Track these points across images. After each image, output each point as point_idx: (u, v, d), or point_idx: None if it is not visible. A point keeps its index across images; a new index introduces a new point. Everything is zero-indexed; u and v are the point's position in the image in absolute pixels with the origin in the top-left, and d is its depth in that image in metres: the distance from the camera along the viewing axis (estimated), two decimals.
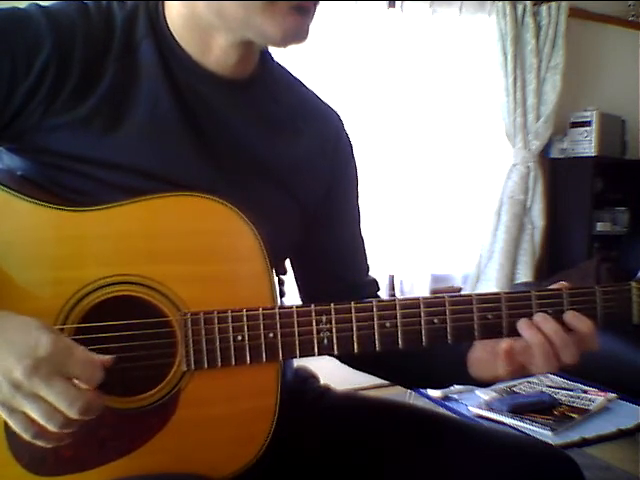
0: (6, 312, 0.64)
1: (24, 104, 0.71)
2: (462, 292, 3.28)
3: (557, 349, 0.73)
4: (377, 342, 0.73)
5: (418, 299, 0.74)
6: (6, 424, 0.68)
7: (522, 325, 0.74)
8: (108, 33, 0.75)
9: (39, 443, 0.63)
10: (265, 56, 0.86)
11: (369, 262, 0.99)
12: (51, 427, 0.61)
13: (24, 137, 0.72)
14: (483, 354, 0.79)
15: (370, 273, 0.99)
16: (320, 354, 0.72)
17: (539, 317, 0.74)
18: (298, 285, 0.96)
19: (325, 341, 0.72)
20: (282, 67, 0.90)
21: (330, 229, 0.93)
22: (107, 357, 0.64)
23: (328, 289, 0.90)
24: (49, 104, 0.71)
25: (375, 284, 0.98)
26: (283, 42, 0.74)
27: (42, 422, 0.61)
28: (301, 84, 0.92)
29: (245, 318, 0.71)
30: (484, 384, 0.84)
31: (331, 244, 0.94)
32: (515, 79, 3.24)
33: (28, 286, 0.69)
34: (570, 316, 0.74)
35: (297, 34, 0.74)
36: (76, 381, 0.62)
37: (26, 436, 0.62)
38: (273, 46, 0.78)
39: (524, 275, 3.35)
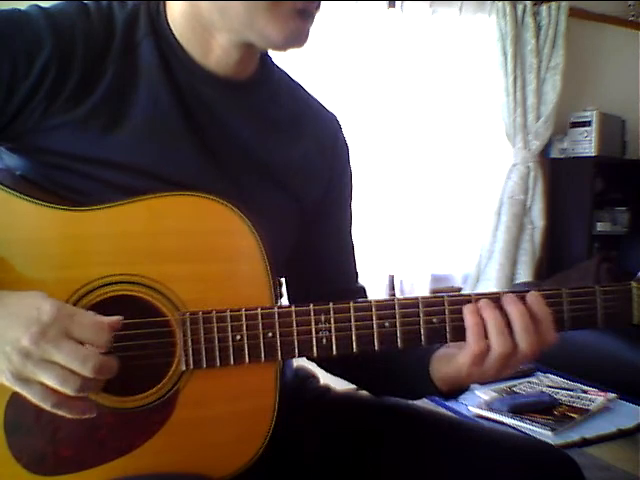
0: (6, 290, 0.65)
1: (24, 104, 0.71)
2: (462, 292, 3.28)
3: (515, 334, 0.72)
4: (376, 342, 0.73)
5: (417, 299, 0.74)
6: (5, 422, 0.68)
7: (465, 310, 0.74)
8: (108, 33, 0.75)
9: (61, 413, 0.63)
10: (265, 59, 0.87)
11: (358, 269, 0.99)
12: (68, 391, 0.61)
13: (24, 137, 0.73)
14: (449, 349, 0.78)
15: (359, 280, 1.00)
16: (319, 354, 0.72)
17: (508, 299, 0.73)
18: (287, 289, 0.96)
19: (324, 341, 0.72)
20: (282, 70, 0.91)
21: (323, 232, 0.93)
22: (114, 318, 0.65)
23: (316, 294, 0.90)
24: (49, 104, 0.72)
25: (363, 292, 0.98)
26: (284, 46, 0.75)
27: (58, 387, 0.61)
28: (300, 87, 0.93)
29: (244, 318, 0.71)
30: (445, 392, 0.82)
31: (323, 247, 0.94)
32: (515, 79, 3.24)
33: (28, 285, 0.69)
34: (532, 299, 0.74)
35: (298, 38, 0.75)
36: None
37: (46, 406, 0.62)
38: (273, 49, 0.79)
39: (524, 275, 3.35)
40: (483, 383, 1.75)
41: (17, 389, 0.62)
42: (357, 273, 1.00)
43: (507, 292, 0.75)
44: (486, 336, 0.73)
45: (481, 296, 0.74)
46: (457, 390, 0.82)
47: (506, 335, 0.72)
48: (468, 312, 0.73)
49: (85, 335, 0.62)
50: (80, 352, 0.61)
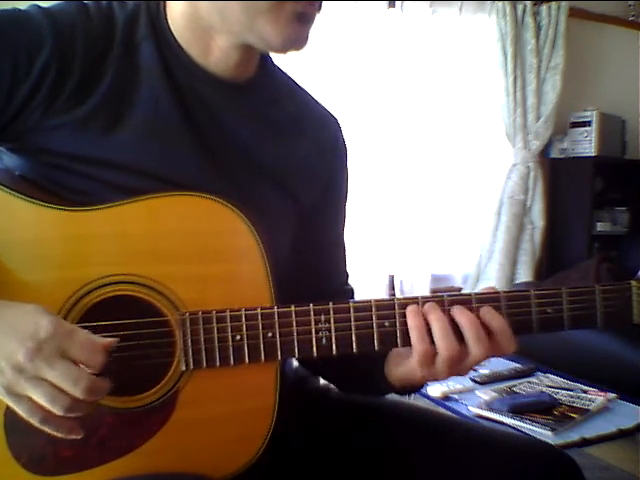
0: (5, 301, 0.65)
1: (25, 104, 0.71)
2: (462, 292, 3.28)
3: (468, 344, 0.72)
4: (376, 342, 0.73)
5: (417, 298, 0.73)
6: (5, 422, 0.68)
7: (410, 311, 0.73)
8: (109, 33, 0.75)
9: (47, 429, 0.63)
10: (265, 60, 0.87)
11: (348, 270, 1.00)
12: (56, 410, 0.61)
13: (25, 137, 0.73)
14: (401, 349, 0.77)
15: (349, 281, 1.00)
16: (319, 354, 0.72)
17: (456, 309, 0.73)
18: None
19: (324, 340, 0.72)
20: (282, 71, 0.91)
21: (317, 233, 0.93)
22: (109, 339, 0.64)
23: (308, 294, 0.90)
24: (50, 104, 0.72)
25: (352, 293, 0.99)
26: (283, 49, 0.75)
27: (46, 405, 0.61)
28: (300, 88, 0.93)
29: (244, 318, 0.71)
30: (401, 390, 0.83)
31: (316, 248, 0.94)
32: (515, 79, 3.24)
33: (28, 285, 0.69)
34: (485, 311, 0.73)
35: (297, 41, 0.75)
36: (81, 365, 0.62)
37: (33, 421, 0.62)
38: (272, 52, 0.80)
39: (524, 275, 3.35)
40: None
41: (7, 402, 0.62)
42: (347, 274, 1.00)
43: (507, 292, 0.75)
44: (432, 339, 0.72)
45: (481, 295, 0.74)
46: (412, 387, 0.83)
47: (451, 338, 0.71)
48: (410, 314, 0.72)
49: (80, 355, 0.62)
50: (73, 373, 0.61)
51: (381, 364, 0.81)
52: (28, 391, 0.61)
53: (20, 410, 0.62)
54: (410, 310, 0.73)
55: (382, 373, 0.81)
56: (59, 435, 0.63)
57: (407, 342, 0.73)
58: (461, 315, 0.72)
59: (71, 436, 0.64)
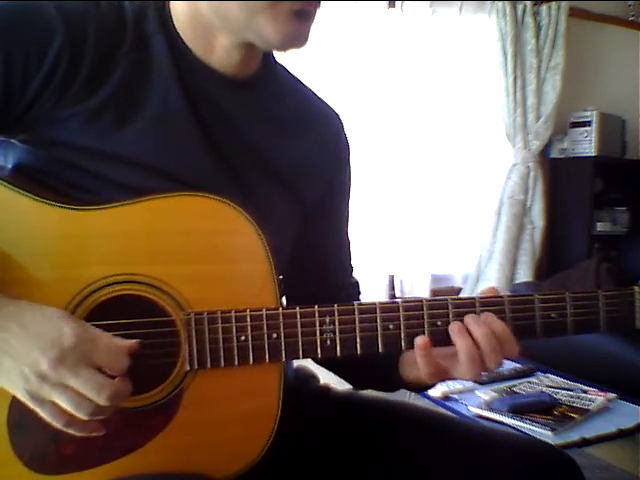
0: (25, 303, 0.65)
1: (38, 95, 0.71)
2: (462, 292, 3.28)
3: (483, 354, 0.73)
4: (380, 344, 0.73)
5: (421, 301, 0.74)
6: (9, 421, 0.68)
7: (454, 329, 0.74)
8: (120, 25, 0.75)
9: (72, 431, 0.64)
10: (268, 57, 0.87)
11: (353, 263, 1.01)
12: (81, 415, 0.62)
13: (35, 128, 0.72)
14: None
15: (354, 274, 1.01)
16: (323, 355, 0.72)
17: (470, 319, 0.74)
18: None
19: (328, 342, 0.73)
20: (285, 68, 0.91)
21: (321, 229, 0.94)
22: (132, 341, 0.65)
23: (313, 289, 0.90)
24: (61, 94, 0.71)
25: (357, 286, 0.99)
26: (282, 46, 0.75)
27: (71, 411, 0.62)
28: (303, 85, 0.93)
29: (248, 318, 0.72)
30: (414, 388, 0.85)
31: (321, 244, 0.94)
32: (515, 79, 3.24)
33: (32, 284, 0.69)
34: (487, 319, 0.74)
35: (296, 39, 0.75)
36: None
37: (58, 425, 0.63)
38: (272, 49, 0.80)
39: (524, 275, 3.35)
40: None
41: (31, 406, 0.63)
42: (352, 267, 1.01)
43: (511, 296, 0.76)
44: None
45: (484, 299, 0.75)
46: (424, 387, 0.85)
47: (477, 361, 0.73)
48: (456, 335, 0.73)
49: (104, 361, 0.63)
50: (96, 381, 0.62)
51: (396, 362, 0.83)
52: (52, 397, 0.62)
53: (44, 414, 0.63)
54: (456, 331, 0.73)
55: (396, 372, 0.83)
56: (81, 434, 0.64)
57: (411, 345, 0.74)
58: (475, 327, 0.73)
59: (93, 434, 0.65)
